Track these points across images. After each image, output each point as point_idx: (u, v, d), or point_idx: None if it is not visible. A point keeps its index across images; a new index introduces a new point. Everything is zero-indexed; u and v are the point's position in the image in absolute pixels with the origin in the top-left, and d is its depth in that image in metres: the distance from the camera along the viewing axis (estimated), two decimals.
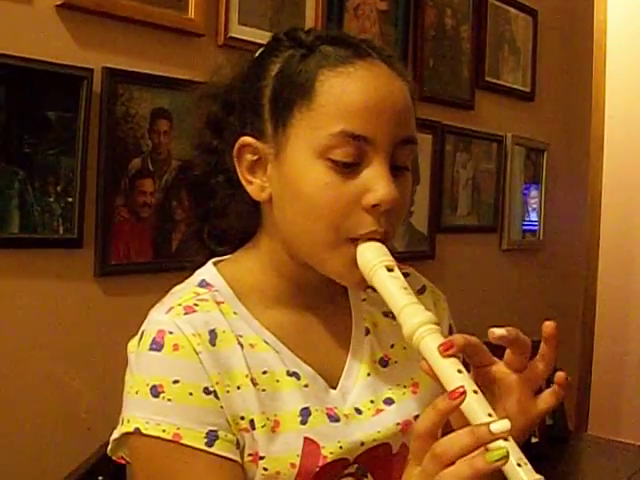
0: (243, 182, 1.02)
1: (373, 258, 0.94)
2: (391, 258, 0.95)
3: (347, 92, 0.94)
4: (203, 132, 1.09)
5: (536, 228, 3.40)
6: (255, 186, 1.01)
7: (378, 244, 0.95)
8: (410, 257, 2.56)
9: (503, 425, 0.77)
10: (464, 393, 0.79)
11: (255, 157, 1.01)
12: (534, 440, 2.55)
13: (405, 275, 1.16)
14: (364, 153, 0.94)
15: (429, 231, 2.74)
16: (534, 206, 3.38)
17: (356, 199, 0.94)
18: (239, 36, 1.96)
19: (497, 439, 0.76)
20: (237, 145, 1.01)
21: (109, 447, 0.99)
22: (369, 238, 0.95)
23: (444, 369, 0.84)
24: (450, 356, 0.84)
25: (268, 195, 1.00)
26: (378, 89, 0.95)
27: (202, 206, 1.11)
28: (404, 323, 0.89)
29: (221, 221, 1.10)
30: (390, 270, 0.94)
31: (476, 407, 0.80)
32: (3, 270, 1.58)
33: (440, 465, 0.78)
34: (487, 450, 0.76)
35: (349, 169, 0.94)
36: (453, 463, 0.78)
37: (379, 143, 0.94)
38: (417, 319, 0.88)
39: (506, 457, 0.75)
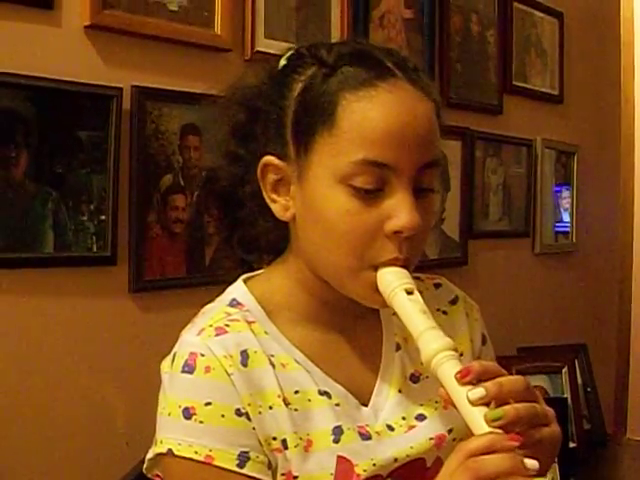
0: (267, 200, 1.02)
1: (393, 281, 0.94)
2: (411, 281, 0.95)
3: (369, 119, 0.93)
4: (229, 141, 1.08)
5: (568, 231, 3.37)
6: (279, 205, 1.01)
7: (399, 268, 0.95)
8: (443, 264, 2.55)
9: (534, 465, 0.81)
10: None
11: (278, 177, 1.00)
12: (572, 445, 2.53)
13: (437, 286, 1.17)
14: (386, 180, 0.93)
15: (461, 237, 2.73)
16: (566, 207, 3.36)
17: (378, 226, 0.93)
18: (266, 50, 1.96)
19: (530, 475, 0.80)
20: (260, 164, 1.01)
21: (145, 465, 1.00)
22: (391, 265, 0.95)
23: (461, 397, 0.84)
24: (468, 383, 0.85)
25: (292, 214, 1.00)
26: (401, 114, 0.93)
27: (230, 215, 1.11)
28: (423, 348, 0.90)
29: (251, 229, 1.09)
30: (409, 293, 0.93)
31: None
32: (39, 289, 1.60)
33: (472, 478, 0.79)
34: None
35: (371, 195, 0.93)
36: None
37: (402, 170, 0.93)
38: (435, 345, 0.88)
39: None
